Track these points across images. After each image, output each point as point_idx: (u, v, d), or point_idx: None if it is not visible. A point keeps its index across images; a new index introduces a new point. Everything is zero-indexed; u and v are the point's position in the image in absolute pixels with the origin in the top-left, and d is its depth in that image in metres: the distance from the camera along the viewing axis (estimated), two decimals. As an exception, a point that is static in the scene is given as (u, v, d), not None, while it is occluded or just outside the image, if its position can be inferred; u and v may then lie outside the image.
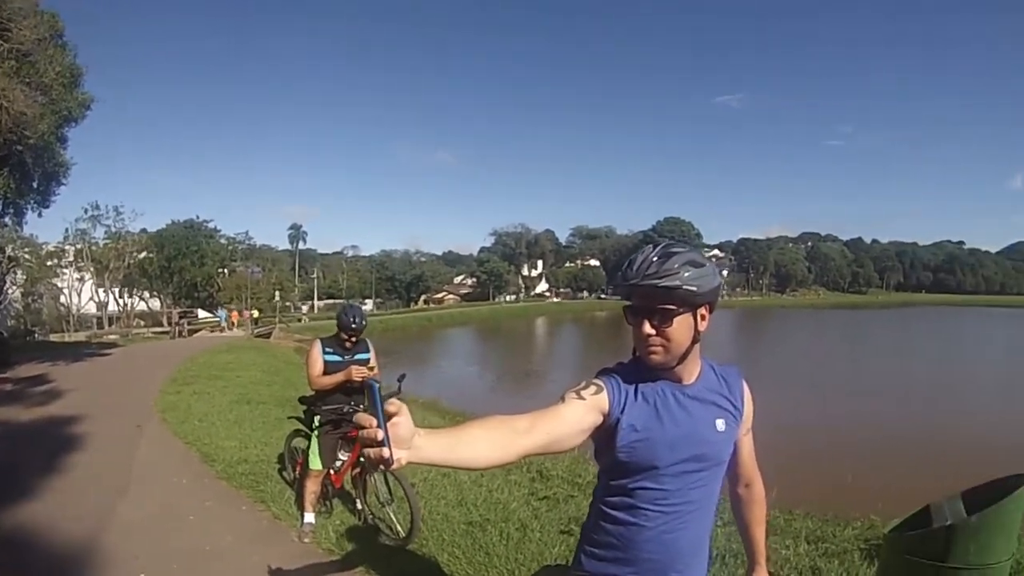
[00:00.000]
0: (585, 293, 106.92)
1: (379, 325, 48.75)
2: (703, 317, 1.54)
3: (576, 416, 1.45)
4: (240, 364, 17.54)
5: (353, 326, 4.47)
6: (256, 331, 37.03)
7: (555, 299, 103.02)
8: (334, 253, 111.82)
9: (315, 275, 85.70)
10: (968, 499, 1.98)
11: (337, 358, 4.52)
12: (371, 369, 4.60)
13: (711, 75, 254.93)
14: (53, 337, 36.55)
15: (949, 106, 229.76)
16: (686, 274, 1.47)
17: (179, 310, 42.66)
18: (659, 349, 1.51)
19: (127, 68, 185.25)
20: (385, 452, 1.05)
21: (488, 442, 1.28)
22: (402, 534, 4.35)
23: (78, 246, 46.96)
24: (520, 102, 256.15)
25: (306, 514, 4.65)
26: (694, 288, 1.47)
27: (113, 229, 47.47)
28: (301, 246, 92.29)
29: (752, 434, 1.80)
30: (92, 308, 48.63)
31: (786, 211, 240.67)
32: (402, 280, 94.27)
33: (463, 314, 73.47)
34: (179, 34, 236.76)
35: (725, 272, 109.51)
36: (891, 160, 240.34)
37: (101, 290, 49.05)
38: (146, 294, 54.91)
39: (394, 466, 1.08)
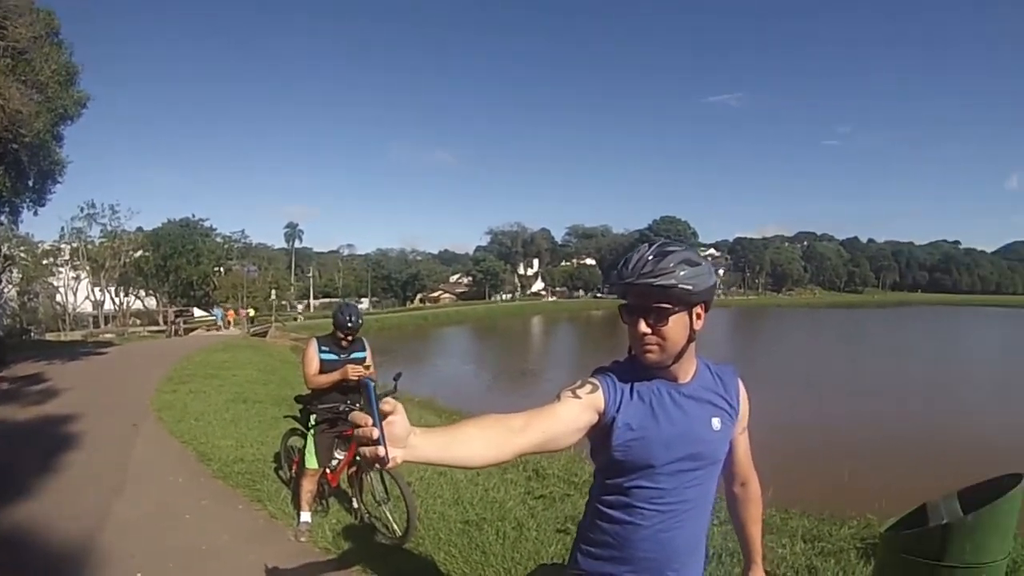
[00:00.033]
0: (581, 292, 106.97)
1: (375, 324, 48.78)
2: (699, 316, 1.54)
3: (572, 415, 1.45)
4: (236, 363, 17.52)
5: (349, 325, 4.47)
6: (252, 330, 36.97)
7: (551, 298, 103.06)
8: (330, 252, 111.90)
9: (311, 274, 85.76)
10: (964, 498, 1.99)
11: (333, 357, 4.51)
12: (367, 368, 4.59)
13: (707, 75, 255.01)
14: (49, 336, 36.53)
15: (946, 107, 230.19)
16: (681, 273, 1.47)
17: (175, 309, 42.60)
18: (655, 348, 1.51)
19: (123, 66, 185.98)
20: (380, 451, 1.05)
21: (483, 441, 1.28)
22: (398, 533, 4.35)
23: (74, 245, 46.76)
24: (517, 101, 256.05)
25: (302, 513, 4.64)
26: (689, 287, 1.47)
27: (109, 228, 47.23)
28: (297, 245, 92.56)
29: (748, 433, 1.80)
30: (88, 307, 48.56)
31: (782, 210, 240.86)
32: (398, 279, 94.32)
33: (459, 313, 73.44)
34: (176, 33, 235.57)
35: (721, 271, 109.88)
36: (888, 160, 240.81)
37: (97, 289, 48.87)
38: (142, 293, 54.75)
39: (389, 465, 1.08)
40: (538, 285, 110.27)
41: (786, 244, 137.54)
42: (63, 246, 47.41)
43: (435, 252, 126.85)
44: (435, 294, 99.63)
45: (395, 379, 4.55)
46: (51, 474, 6.32)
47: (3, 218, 19.55)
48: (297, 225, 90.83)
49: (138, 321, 47.69)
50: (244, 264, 59.76)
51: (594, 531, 1.63)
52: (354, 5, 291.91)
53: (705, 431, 1.57)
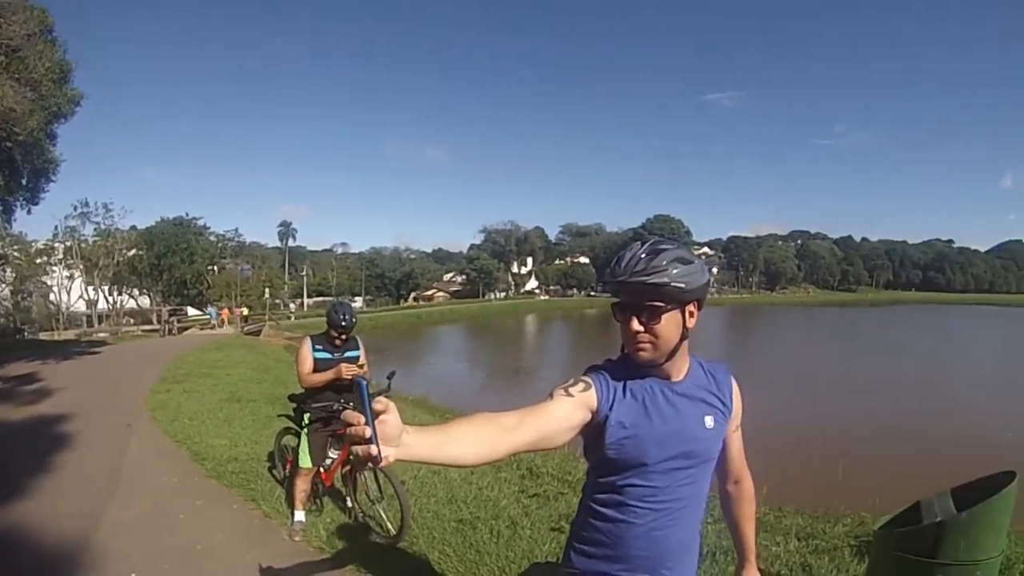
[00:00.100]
0: (575, 290, 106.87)
1: (369, 322, 48.70)
2: (691, 314, 1.54)
3: (564, 413, 1.45)
4: (230, 362, 17.48)
5: (343, 323, 4.47)
6: (246, 328, 36.81)
7: (545, 296, 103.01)
8: (324, 250, 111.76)
9: (305, 272, 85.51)
10: (958, 496, 2.00)
11: (327, 355, 4.51)
12: (361, 367, 4.59)
13: (701, 73, 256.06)
14: (42, 335, 36.28)
15: (941, 106, 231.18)
16: (674, 271, 1.47)
17: (169, 308, 42.52)
18: (647, 346, 1.51)
19: (117, 65, 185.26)
20: (373, 449, 1.05)
21: (476, 439, 1.28)
22: (392, 532, 4.35)
23: (67, 243, 46.42)
24: (512, 100, 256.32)
25: (296, 512, 4.63)
26: (682, 285, 1.47)
27: (103, 226, 46.90)
28: (291, 243, 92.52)
29: (741, 431, 1.81)
30: (82, 306, 48.28)
31: (776, 209, 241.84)
32: (392, 277, 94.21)
33: (453, 311, 73.32)
34: (167, 31, 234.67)
35: (715, 270, 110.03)
36: (882, 159, 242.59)
37: (91, 288, 48.58)
38: (136, 292, 54.54)
39: (382, 463, 1.07)
40: (532, 283, 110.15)
41: (780, 243, 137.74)
42: (57, 245, 47.08)
43: (429, 250, 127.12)
44: (429, 292, 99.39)
45: (389, 378, 4.54)
46: (45, 474, 6.30)
47: (-3, 217, 19.48)
48: (291, 224, 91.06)
49: (132, 320, 47.51)
50: (238, 263, 59.55)
51: (587, 529, 1.63)
52: (355, 5, 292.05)
53: (698, 429, 1.57)
